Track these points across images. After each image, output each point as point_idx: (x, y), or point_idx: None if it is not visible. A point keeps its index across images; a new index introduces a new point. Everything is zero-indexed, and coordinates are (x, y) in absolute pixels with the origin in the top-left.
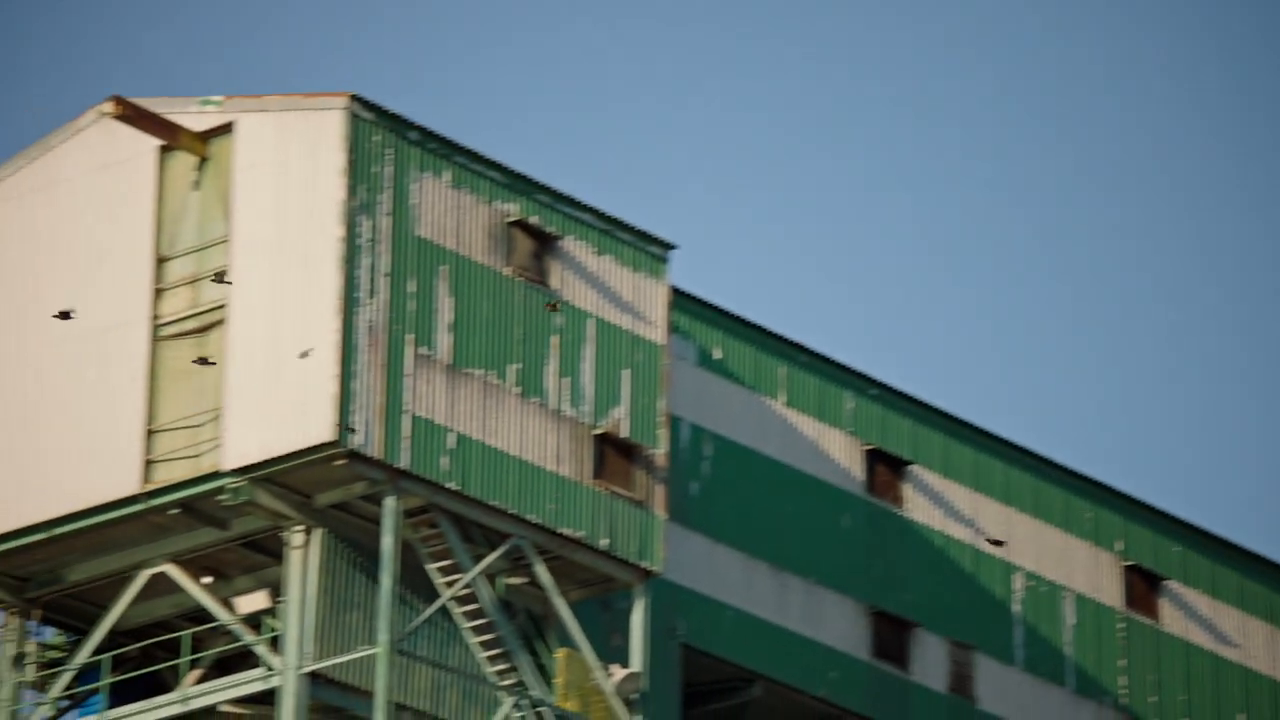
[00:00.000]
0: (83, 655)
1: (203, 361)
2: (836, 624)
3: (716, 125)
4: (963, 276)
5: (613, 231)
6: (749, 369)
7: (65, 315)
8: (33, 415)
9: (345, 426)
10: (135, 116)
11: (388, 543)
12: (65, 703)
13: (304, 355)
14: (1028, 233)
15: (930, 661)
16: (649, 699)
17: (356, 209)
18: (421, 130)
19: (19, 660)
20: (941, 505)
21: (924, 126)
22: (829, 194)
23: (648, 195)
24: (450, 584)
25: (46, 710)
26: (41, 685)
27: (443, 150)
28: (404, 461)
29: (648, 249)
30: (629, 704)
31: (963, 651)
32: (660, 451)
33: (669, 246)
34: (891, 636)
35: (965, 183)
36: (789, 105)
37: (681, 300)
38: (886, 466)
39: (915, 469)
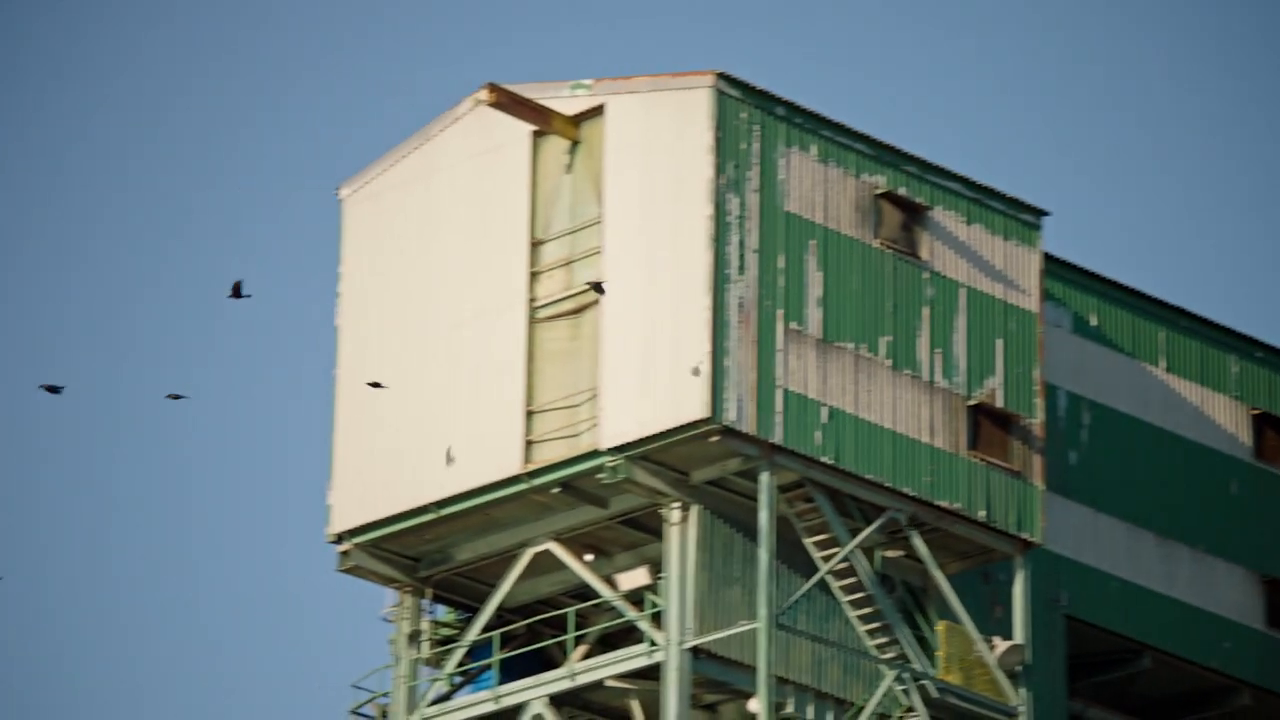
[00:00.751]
0: (473, 632)
1: (375, 385)
2: (1227, 593)
3: (1074, 88)
4: None
5: (983, 200)
6: (1126, 335)
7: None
8: (420, 399)
9: (718, 403)
10: (509, 103)
11: (764, 518)
12: (459, 679)
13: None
14: None
15: None
16: (1033, 671)
17: (725, 186)
18: (787, 105)
19: (414, 638)
20: None
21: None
22: (1198, 151)
23: (1016, 162)
24: (827, 558)
25: (441, 686)
26: (436, 661)
27: (809, 124)
28: (777, 436)
29: (1019, 216)
30: (1013, 676)
31: None
32: (1037, 421)
33: (1041, 213)
34: None
35: None
36: (1152, 66)
37: (1054, 267)
38: (1276, 431)
39: None
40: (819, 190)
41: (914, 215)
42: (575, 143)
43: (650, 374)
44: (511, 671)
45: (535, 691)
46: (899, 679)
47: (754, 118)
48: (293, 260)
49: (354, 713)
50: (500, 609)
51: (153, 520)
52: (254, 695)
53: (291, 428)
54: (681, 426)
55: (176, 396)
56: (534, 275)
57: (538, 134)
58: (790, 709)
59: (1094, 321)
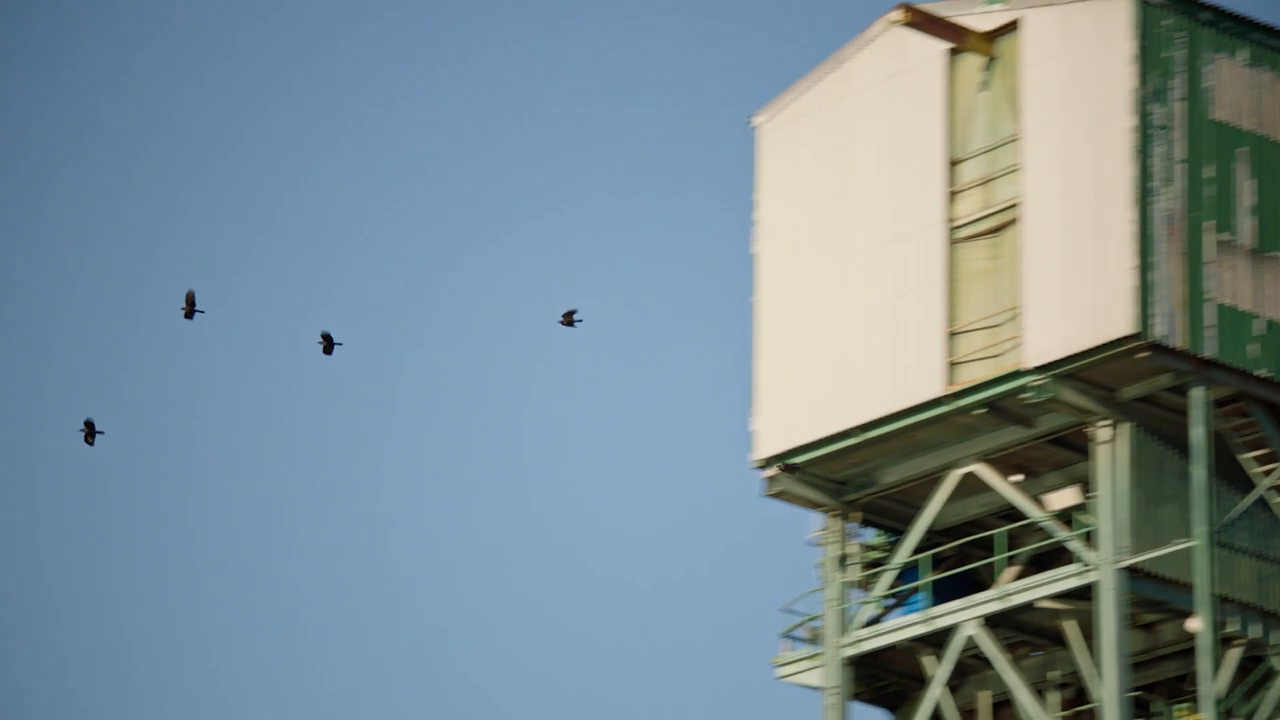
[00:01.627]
0: (901, 555)
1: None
2: None
3: None
4: None
5: None
6: None
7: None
8: (841, 324)
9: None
10: (923, 22)
11: (1198, 434)
12: (889, 601)
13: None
14: None
15: None
16: None
17: (1148, 97)
18: (1214, 10)
19: (842, 561)
20: None
21: None
22: None
23: None
24: (1267, 473)
25: (872, 609)
26: (865, 584)
27: (1237, 29)
28: (1209, 351)
29: None
30: None
31: None
32: None
33: None
34: None
35: None
36: None
37: None
38: None
39: None
40: (1249, 96)
41: None
42: (991, 59)
43: (1074, 291)
44: (941, 594)
45: (967, 613)
46: None
47: (1178, 25)
48: (710, 189)
49: (785, 636)
50: (929, 531)
51: (583, 452)
52: (685, 620)
53: (713, 356)
54: (1108, 344)
55: (90, 433)
56: (952, 195)
57: (952, 52)
58: (1233, 628)
59: None
